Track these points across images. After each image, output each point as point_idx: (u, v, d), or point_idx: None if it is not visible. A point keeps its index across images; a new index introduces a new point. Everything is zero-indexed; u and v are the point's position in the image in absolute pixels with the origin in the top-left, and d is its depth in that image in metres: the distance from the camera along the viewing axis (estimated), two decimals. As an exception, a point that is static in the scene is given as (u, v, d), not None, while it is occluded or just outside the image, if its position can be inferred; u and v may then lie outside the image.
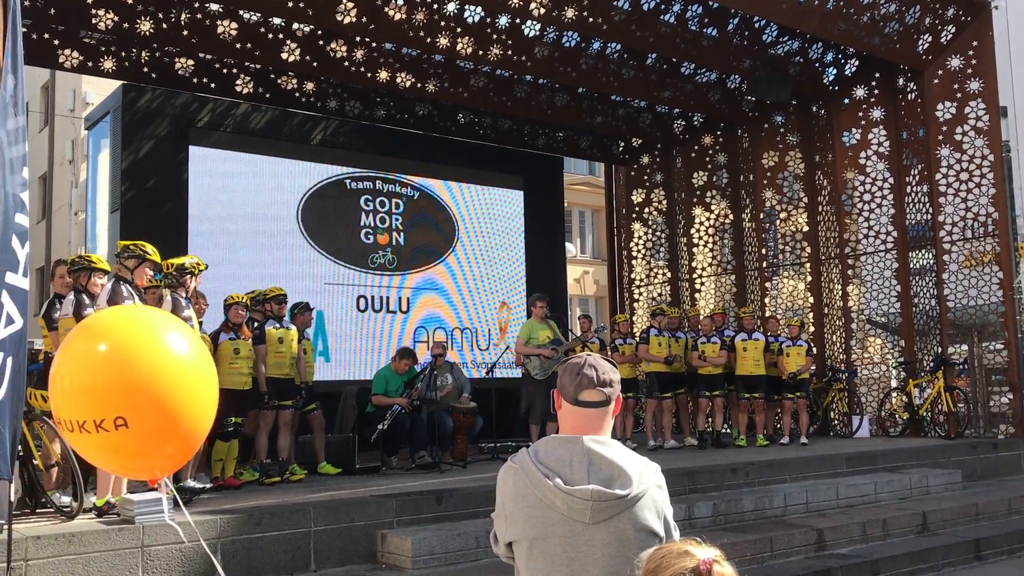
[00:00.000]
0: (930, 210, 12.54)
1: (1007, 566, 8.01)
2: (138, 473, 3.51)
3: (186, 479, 7.15)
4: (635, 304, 16.49)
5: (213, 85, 11.93)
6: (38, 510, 6.19)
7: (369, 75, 12.29)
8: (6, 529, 4.96)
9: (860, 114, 13.40)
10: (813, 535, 7.68)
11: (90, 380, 3.15)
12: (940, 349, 12.37)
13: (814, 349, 12.87)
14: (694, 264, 15.72)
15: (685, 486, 8.38)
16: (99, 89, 21.72)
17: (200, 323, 7.93)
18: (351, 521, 6.55)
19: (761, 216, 14.79)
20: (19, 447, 5.63)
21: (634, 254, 16.69)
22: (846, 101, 13.63)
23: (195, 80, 11.80)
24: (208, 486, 7.49)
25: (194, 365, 3.33)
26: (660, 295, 16.22)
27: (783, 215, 14.58)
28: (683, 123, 15.57)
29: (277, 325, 8.56)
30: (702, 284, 15.67)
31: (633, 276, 16.69)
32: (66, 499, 6.11)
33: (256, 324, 8.46)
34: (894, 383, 13.29)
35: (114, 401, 3.09)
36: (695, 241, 15.69)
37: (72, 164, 25.67)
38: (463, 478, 8.31)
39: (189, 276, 6.87)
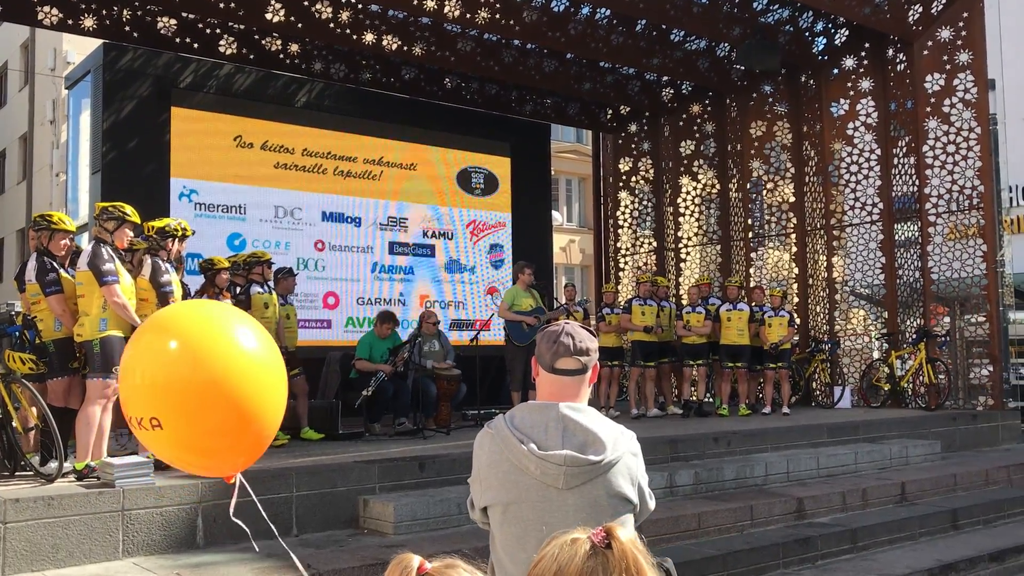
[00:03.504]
0: (916, 182, 12.54)
1: (983, 535, 8.10)
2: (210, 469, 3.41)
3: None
4: (620, 273, 16.48)
5: (196, 45, 11.73)
6: (17, 473, 6.15)
7: (355, 37, 12.12)
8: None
9: (849, 85, 13.35)
10: (793, 504, 7.74)
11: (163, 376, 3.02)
12: (922, 321, 12.43)
13: (797, 320, 12.92)
14: (680, 234, 15.70)
15: (667, 454, 8.42)
16: (80, 48, 21.38)
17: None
18: (333, 487, 6.54)
19: (748, 186, 14.76)
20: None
21: (620, 223, 16.65)
22: (835, 71, 13.57)
23: (177, 40, 11.59)
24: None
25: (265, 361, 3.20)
26: (646, 264, 16.21)
27: (769, 185, 14.56)
28: (671, 91, 15.48)
29: (261, 290, 8.49)
30: (687, 254, 15.67)
31: (619, 245, 16.66)
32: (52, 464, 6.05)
33: (239, 289, 8.39)
34: (876, 355, 13.36)
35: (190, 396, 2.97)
36: (681, 211, 15.66)
37: (53, 124, 25.32)
38: (446, 444, 8.32)
39: (171, 239, 6.77)
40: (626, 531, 1.56)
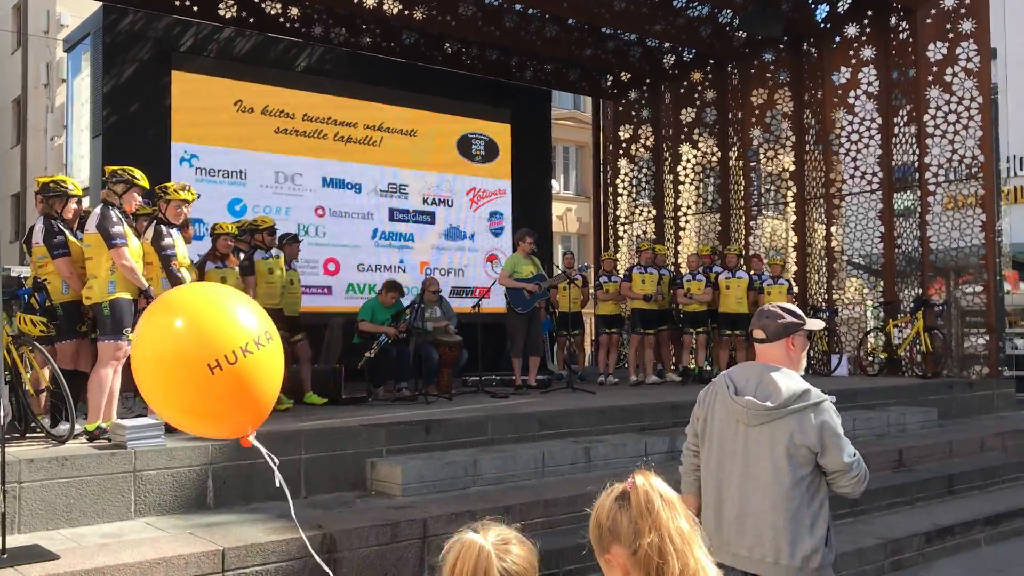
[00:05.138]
0: (917, 151, 12.55)
1: (978, 500, 8.23)
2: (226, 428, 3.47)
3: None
4: (619, 241, 16.51)
5: (196, 8, 11.62)
6: (28, 435, 6.20)
7: (355, 1, 12.04)
8: (-1, 452, 4.97)
9: (851, 53, 13.32)
10: (793, 469, 7.83)
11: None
12: (921, 290, 12.51)
13: (795, 288, 12.98)
14: (679, 202, 15.72)
15: (668, 419, 8.51)
16: (74, 10, 21.17)
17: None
18: (341, 449, 6.60)
19: (748, 154, 14.77)
20: (7, 372, 5.63)
21: (619, 191, 16.65)
22: (837, 39, 13.53)
23: (177, 3, 11.49)
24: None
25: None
26: (644, 232, 16.24)
27: (770, 154, 14.57)
28: (673, 58, 15.43)
29: (266, 255, 8.51)
30: (686, 222, 15.70)
31: (618, 213, 16.68)
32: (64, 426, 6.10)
33: (243, 255, 8.41)
34: (873, 323, 13.45)
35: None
36: (681, 179, 15.67)
37: (47, 88, 25.11)
38: (450, 409, 8.39)
39: (176, 204, 6.74)
40: (651, 479, 1.76)
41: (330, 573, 3.73)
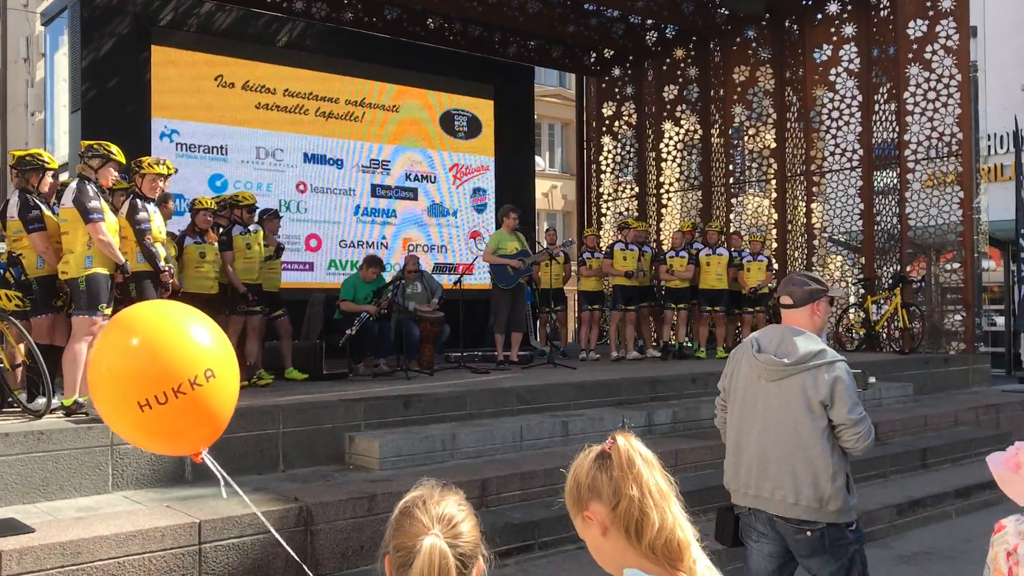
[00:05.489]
0: (896, 129, 12.61)
1: (949, 473, 8.36)
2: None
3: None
4: (602, 218, 16.55)
5: (175, -18, 11.55)
6: (4, 410, 6.21)
7: (337, -24, 11.98)
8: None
9: (832, 30, 13.34)
10: (768, 443, 7.93)
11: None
12: (899, 267, 12.61)
13: (775, 265, 13.06)
14: (662, 179, 15.75)
15: (646, 394, 8.59)
16: (54, -16, 20.90)
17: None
18: (319, 424, 6.65)
19: (730, 132, 14.80)
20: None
21: (603, 168, 16.67)
22: (819, 16, 13.55)
23: (156, -24, 11.41)
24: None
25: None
26: (627, 210, 16.28)
27: (751, 131, 14.60)
28: (656, 35, 15.41)
29: (243, 230, 8.50)
30: (668, 199, 15.74)
31: (601, 190, 16.71)
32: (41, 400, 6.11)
33: (222, 229, 8.40)
34: (852, 300, 13.56)
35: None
36: (663, 156, 15.69)
37: (27, 62, 24.85)
38: (430, 384, 8.43)
39: (151, 178, 6.72)
40: (630, 439, 1.80)
41: (286, 547, 3.77)
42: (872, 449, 3.68)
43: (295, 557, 4.46)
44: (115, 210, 6.53)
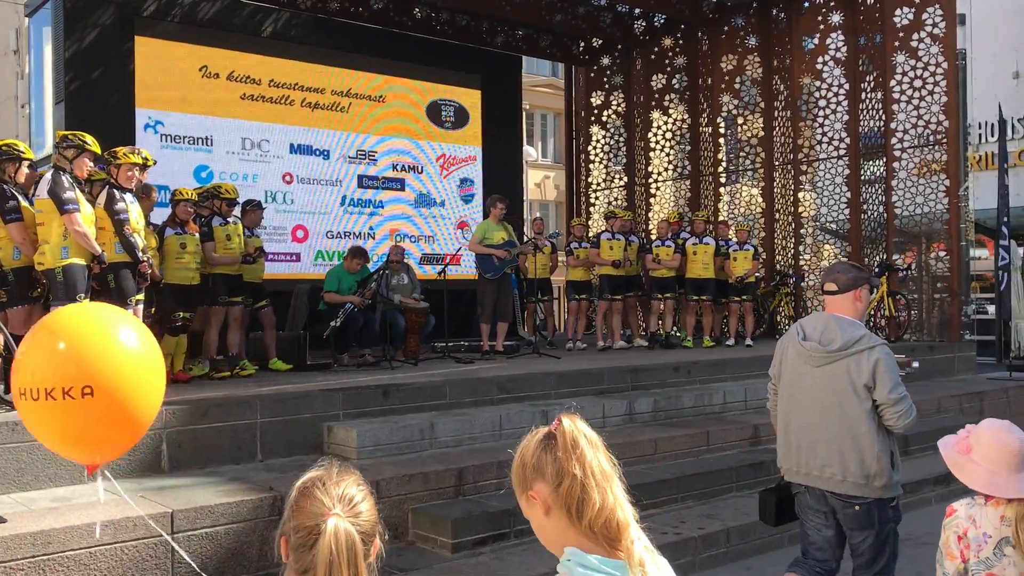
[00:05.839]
0: (883, 117, 12.61)
1: (931, 460, 8.35)
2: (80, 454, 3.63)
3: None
4: (591, 208, 16.55)
5: (159, -28, 11.50)
6: (-17, 400, 6.21)
7: (321, -34, 11.93)
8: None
9: (819, 18, 13.32)
10: (749, 430, 7.97)
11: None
12: (885, 256, 12.62)
13: (762, 254, 13.07)
14: (650, 169, 15.75)
15: (628, 383, 8.61)
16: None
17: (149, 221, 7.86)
18: (298, 414, 6.66)
19: (718, 121, 14.79)
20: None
21: (592, 158, 16.66)
22: (806, 5, 13.54)
23: (139, -33, 11.36)
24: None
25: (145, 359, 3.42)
26: (616, 199, 16.27)
27: (739, 120, 14.59)
28: (644, 24, 15.38)
29: (223, 222, 8.50)
30: (657, 189, 15.74)
31: (590, 180, 16.70)
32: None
33: (202, 220, 8.40)
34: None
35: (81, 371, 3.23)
36: (652, 145, 15.68)
37: (16, 54, 24.76)
38: (412, 374, 8.45)
39: (127, 168, 6.70)
40: (576, 421, 1.83)
41: (178, 549, 3.81)
42: (915, 426, 3.99)
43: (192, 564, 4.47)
44: (92, 200, 6.53)
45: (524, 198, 32.43)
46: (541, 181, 32.93)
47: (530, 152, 30.15)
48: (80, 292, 6.10)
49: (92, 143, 6.29)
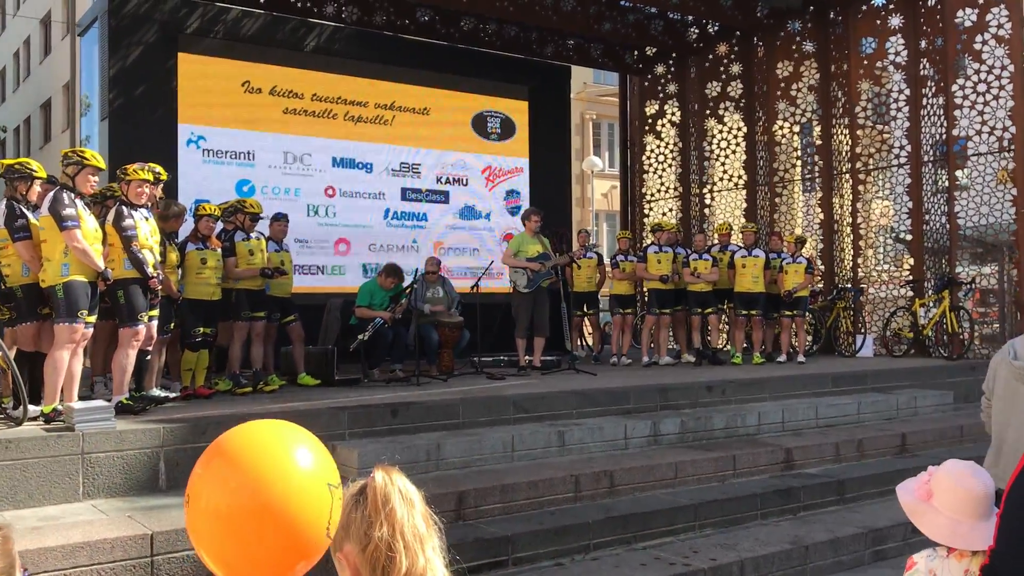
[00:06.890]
0: (945, 124, 11.99)
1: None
2: None
3: (149, 388, 7.19)
4: (645, 219, 16.19)
5: (203, -10, 11.65)
6: (-8, 416, 6.26)
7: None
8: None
9: (878, 22, 12.78)
10: (781, 454, 7.56)
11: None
12: (948, 268, 11.99)
13: (815, 267, 12.56)
14: (705, 178, 15.33)
15: (656, 402, 8.27)
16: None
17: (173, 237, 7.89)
18: (303, 432, 6.53)
19: (774, 129, 14.31)
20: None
21: (646, 168, 16.31)
22: (864, 8, 13.01)
23: (184, -16, 11.53)
24: (174, 395, 7.52)
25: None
26: (671, 210, 15.89)
27: (796, 128, 14.08)
28: (697, 31, 15.00)
29: (246, 237, 8.48)
30: (713, 199, 15.31)
31: (644, 191, 16.35)
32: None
33: (226, 236, 8.40)
34: (900, 302, 12.95)
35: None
36: (707, 155, 15.27)
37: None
38: (428, 392, 8.26)
39: (136, 184, 6.71)
40: (392, 474, 1.74)
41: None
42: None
43: None
44: (99, 216, 6.54)
45: (590, 208, 32.11)
46: (608, 191, 32.56)
47: (596, 162, 29.84)
48: (82, 308, 6.10)
49: (91, 158, 6.29)
